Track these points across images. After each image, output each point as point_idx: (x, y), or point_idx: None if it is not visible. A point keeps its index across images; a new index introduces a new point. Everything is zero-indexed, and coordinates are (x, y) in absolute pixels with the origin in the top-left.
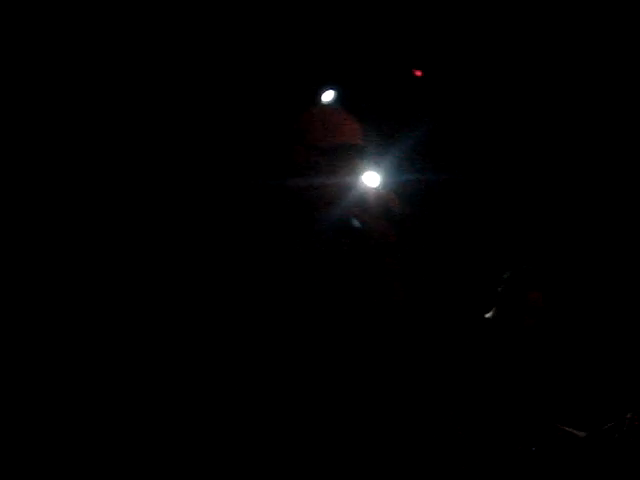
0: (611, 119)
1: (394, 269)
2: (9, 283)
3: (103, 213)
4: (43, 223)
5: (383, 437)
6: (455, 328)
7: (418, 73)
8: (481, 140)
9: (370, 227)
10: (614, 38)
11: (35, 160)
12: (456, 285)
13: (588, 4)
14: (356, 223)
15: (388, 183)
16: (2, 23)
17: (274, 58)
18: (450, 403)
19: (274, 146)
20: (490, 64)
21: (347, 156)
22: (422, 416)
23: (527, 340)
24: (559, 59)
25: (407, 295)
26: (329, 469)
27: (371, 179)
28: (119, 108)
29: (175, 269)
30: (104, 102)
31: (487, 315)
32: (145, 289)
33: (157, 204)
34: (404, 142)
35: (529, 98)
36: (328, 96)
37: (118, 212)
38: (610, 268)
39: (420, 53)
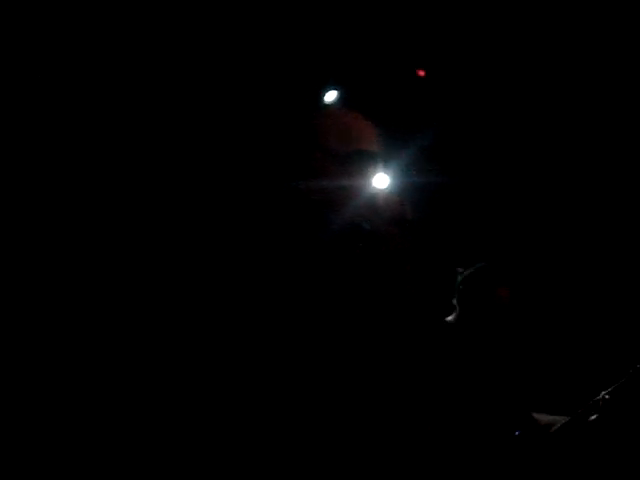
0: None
1: (405, 274)
2: (9, 283)
3: (120, 212)
4: (43, 223)
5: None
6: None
7: (421, 73)
8: (488, 141)
9: (382, 232)
10: (615, 38)
11: (35, 160)
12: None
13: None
14: (368, 227)
15: (398, 185)
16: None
17: (286, 61)
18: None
19: (289, 149)
20: (496, 63)
21: (361, 161)
22: (409, 417)
23: (497, 334)
24: (565, 59)
25: (417, 299)
26: (325, 469)
27: (381, 181)
28: (142, 117)
29: (186, 270)
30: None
31: (449, 318)
32: (163, 290)
33: (169, 206)
34: (413, 143)
35: (536, 95)
36: (331, 96)
37: (141, 212)
38: (577, 259)
39: (423, 53)
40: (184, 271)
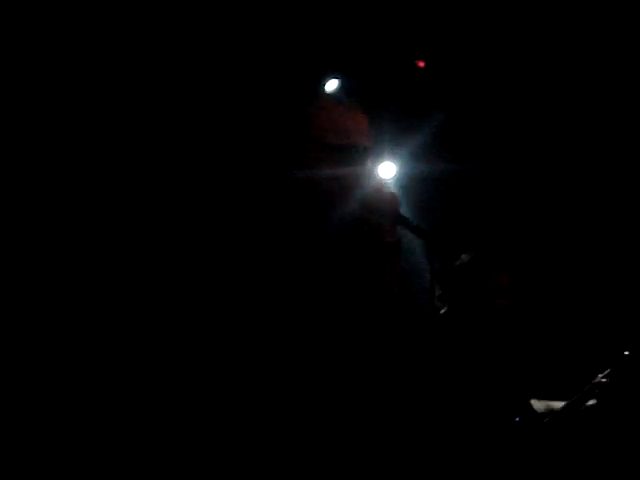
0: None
1: (395, 268)
2: (9, 283)
3: (116, 211)
4: (43, 223)
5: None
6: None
7: (421, 64)
8: (490, 131)
9: (373, 225)
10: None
11: (35, 160)
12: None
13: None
14: (360, 220)
15: (402, 174)
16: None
17: (282, 52)
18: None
19: (281, 142)
20: (496, 53)
21: (353, 154)
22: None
23: (498, 321)
24: (569, 46)
25: (403, 293)
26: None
27: (387, 170)
28: (128, 106)
29: (181, 264)
30: (112, 102)
31: (442, 311)
32: (156, 287)
33: (162, 201)
34: (418, 133)
35: (533, 85)
36: (332, 85)
37: (128, 210)
38: (574, 244)
39: (425, 44)
40: (181, 263)
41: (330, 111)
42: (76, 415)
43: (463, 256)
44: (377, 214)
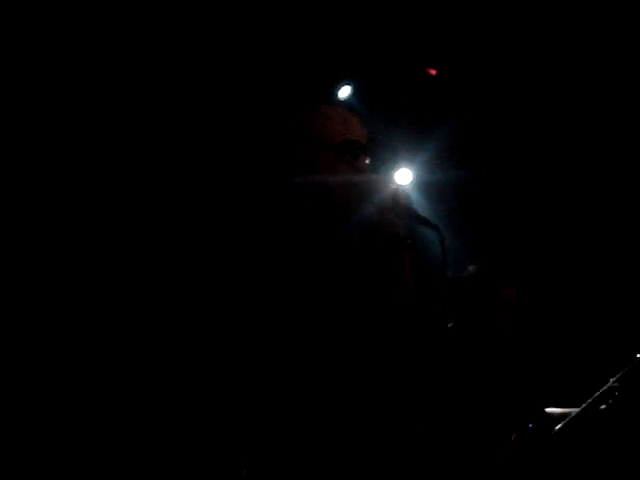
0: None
1: (407, 262)
2: (9, 283)
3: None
4: (43, 223)
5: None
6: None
7: (433, 72)
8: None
9: (380, 223)
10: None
11: (35, 160)
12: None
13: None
14: (366, 219)
15: (419, 180)
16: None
17: (295, 60)
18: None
19: (281, 146)
20: (508, 58)
21: (352, 151)
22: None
23: (504, 334)
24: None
25: (414, 292)
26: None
27: (403, 176)
28: (130, 106)
29: (184, 267)
30: (113, 103)
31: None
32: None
33: (166, 205)
34: (434, 140)
35: (542, 93)
36: (344, 92)
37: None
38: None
39: (436, 51)
40: (184, 269)
41: (328, 116)
42: (76, 414)
43: (470, 267)
44: (393, 217)
